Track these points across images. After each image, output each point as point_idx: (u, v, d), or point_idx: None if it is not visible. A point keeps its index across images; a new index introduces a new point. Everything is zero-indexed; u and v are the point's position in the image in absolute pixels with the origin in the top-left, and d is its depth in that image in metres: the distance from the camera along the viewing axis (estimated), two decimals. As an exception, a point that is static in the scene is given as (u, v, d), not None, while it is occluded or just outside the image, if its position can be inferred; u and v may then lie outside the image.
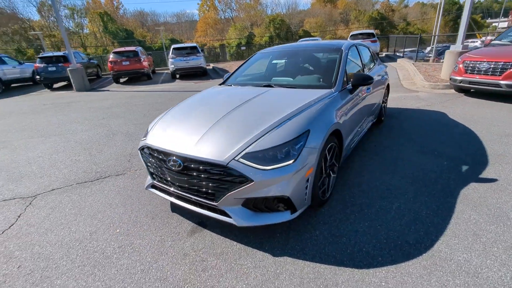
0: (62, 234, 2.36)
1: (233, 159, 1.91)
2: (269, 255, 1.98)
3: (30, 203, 2.90)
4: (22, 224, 2.54)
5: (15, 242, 2.29)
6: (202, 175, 2.01)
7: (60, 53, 12.12)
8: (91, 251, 2.13)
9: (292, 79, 3.25)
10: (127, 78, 13.81)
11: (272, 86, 3.00)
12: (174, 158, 2.10)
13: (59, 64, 11.90)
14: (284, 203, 2.01)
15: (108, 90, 11.09)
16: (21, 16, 46.50)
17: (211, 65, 17.58)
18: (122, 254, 2.07)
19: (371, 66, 4.06)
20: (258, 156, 1.92)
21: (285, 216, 2.01)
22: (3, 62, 12.50)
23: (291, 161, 1.93)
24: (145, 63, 12.65)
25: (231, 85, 3.38)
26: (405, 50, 15.37)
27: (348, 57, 3.28)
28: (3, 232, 2.44)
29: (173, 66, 12.51)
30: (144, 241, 2.20)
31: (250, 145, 1.97)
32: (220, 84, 3.53)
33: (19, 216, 2.67)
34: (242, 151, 1.93)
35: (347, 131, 2.79)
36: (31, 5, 56.06)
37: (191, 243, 2.15)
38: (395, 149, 3.66)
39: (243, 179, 1.88)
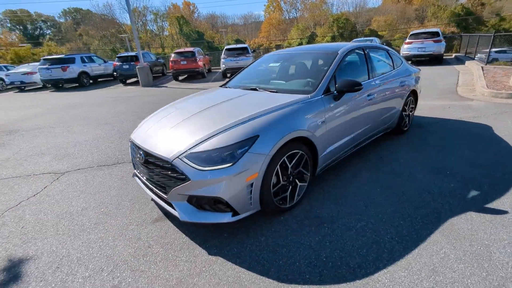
0: (63, 206, 2.80)
1: (177, 157, 2.02)
2: (206, 252, 2.04)
3: (57, 178, 3.49)
4: (43, 194, 3.09)
5: (30, 208, 2.82)
6: (156, 169, 2.17)
7: (133, 53, 13.81)
8: (74, 223, 2.49)
9: (284, 82, 3.18)
10: (185, 76, 15.03)
11: (257, 90, 3.00)
12: (141, 151, 2.32)
13: (131, 63, 13.61)
14: (225, 204, 2.03)
15: (166, 87, 12.26)
16: (118, 21, 54.26)
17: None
18: (93, 230, 2.38)
19: (385, 71, 3.67)
20: (201, 156, 1.99)
21: (226, 218, 2.03)
22: (92, 61, 14.89)
23: (229, 164, 1.94)
24: (200, 63, 13.57)
25: (227, 87, 3.46)
26: (490, 50, 12.75)
27: (347, 61, 3.05)
28: (28, 199, 3.01)
29: (224, 65, 13.15)
30: (116, 222, 2.48)
31: (197, 145, 2.04)
32: (220, 86, 3.65)
33: (44, 187, 3.25)
34: (187, 150, 2.03)
35: (326, 140, 2.63)
36: (125, 11, 64.87)
37: (149, 230, 2.33)
38: (402, 163, 3.26)
39: (184, 177, 1.98)
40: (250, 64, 3.92)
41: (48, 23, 70.74)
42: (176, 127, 2.34)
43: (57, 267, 1.98)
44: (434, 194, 2.59)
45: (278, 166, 2.19)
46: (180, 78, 14.81)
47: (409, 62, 13.66)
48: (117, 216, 2.56)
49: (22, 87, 14.88)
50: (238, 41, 38.41)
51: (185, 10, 49.43)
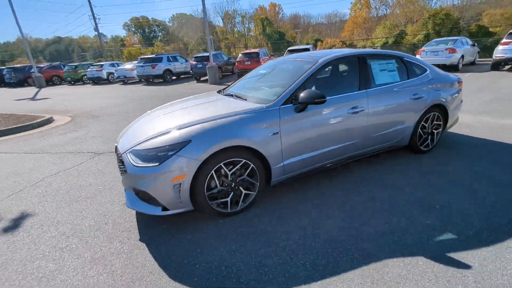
0: (79, 180, 3.50)
1: (125, 152, 2.33)
2: (138, 238, 2.30)
3: (93, 157, 4.32)
4: (75, 168, 3.90)
5: (61, 177, 3.62)
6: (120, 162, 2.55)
7: (206, 54, 15.19)
8: (76, 194, 3.11)
9: (266, 89, 3.14)
10: None
11: (232, 96, 3.07)
12: (115, 145, 2.74)
13: (204, 63, 14.99)
14: (154, 199, 2.24)
15: (228, 85, 13.09)
16: (214, 23, 59.68)
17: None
18: (83, 202, 2.93)
19: (390, 81, 3.20)
20: (139, 153, 2.25)
21: (157, 211, 2.25)
22: (176, 60, 17.04)
23: (156, 164, 2.14)
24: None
25: (220, 92, 3.63)
26: None
27: (329, 71, 2.82)
28: (65, 170, 3.86)
29: (284, 66, 13.18)
30: (101, 199, 2.98)
31: (140, 143, 2.31)
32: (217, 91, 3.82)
33: (80, 163, 4.09)
34: (132, 147, 2.32)
35: (284, 151, 2.53)
36: (218, 15, 71.02)
37: (117, 210, 2.74)
38: (389, 190, 2.82)
39: (125, 169, 2.28)
40: (256, 68, 3.99)
41: (160, 27, 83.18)
42: (142, 127, 2.67)
43: (41, 225, 2.56)
44: (386, 232, 2.21)
45: (213, 172, 2.27)
46: (245, 77, 15.55)
47: (505, 67, 10.91)
48: (104, 195, 3.07)
49: (125, 80, 18.20)
50: (318, 40, 37.31)
51: (270, 11, 50.82)
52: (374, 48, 29.41)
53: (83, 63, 22.38)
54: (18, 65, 22.66)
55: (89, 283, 1.84)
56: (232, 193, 2.44)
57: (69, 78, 20.36)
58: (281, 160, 2.57)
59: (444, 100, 3.47)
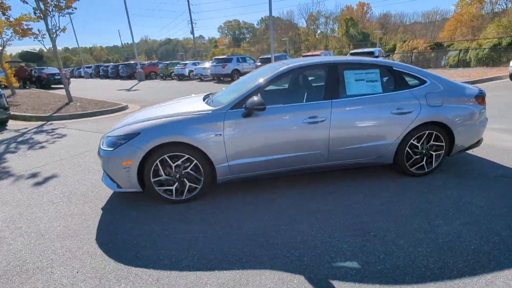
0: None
1: (103, 137, 2.90)
2: (112, 212, 2.84)
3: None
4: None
5: (95, 153, 4.58)
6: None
7: (268, 56, 15.63)
8: (94, 168, 3.94)
9: (229, 95, 3.22)
10: None
11: (207, 98, 3.34)
12: None
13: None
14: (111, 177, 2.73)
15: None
16: (298, 25, 59.99)
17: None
18: (94, 174, 3.71)
19: (368, 92, 2.91)
20: (107, 139, 2.78)
21: (113, 187, 2.75)
22: (245, 61, 18.10)
23: (111, 149, 2.62)
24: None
25: (209, 95, 3.92)
26: None
27: (290, 78, 2.80)
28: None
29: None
30: (105, 173, 3.71)
31: (112, 131, 2.84)
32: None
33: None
34: (107, 134, 2.86)
35: (228, 152, 2.68)
36: (302, 17, 70.74)
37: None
38: (338, 207, 2.62)
39: (100, 151, 2.86)
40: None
41: (249, 29, 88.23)
42: (127, 119, 3.21)
43: (54, 185, 3.40)
44: (283, 243, 2.12)
45: (158, 162, 2.63)
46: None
47: None
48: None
49: (201, 78, 20.33)
50: (404, 42, 33.18)
51: (357, 11, 47.72)
52: (481, 50, 24.38)
53: (173, 61, 25.94)
54: (129, 62, 27.82)
55: (54, 228, 2.45)
56: (177, 183, 2.75)
57: (161, 74, 24.00)
58: (225, 161, 2.73)
59: (446, 118, 2.92)
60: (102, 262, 2.03)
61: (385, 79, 3.01)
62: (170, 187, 2.74)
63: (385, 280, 1.76)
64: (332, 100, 2.82)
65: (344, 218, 2.45)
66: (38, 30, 10.24)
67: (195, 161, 2.68)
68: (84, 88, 18.00)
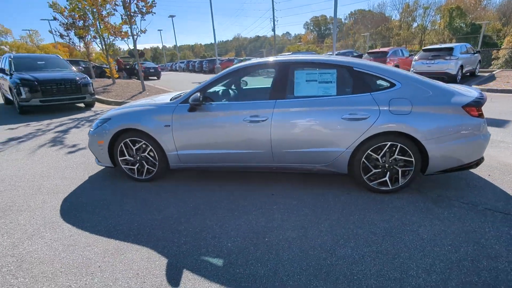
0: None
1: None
2: (87, 174, 3.53)
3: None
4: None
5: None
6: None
7: (342, 51, 14.75)
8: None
9: None
10: None
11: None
12: None
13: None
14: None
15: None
16: (392, 18, 54.04)
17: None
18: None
19: (318, 94, 2.68)
20: (95, 122, 3.38)
21: (96, 160, 3.37)
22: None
23: (93, 130, 3.22)
24: (389, 64, 11.94)
25: None
26: None
27: (241, 77, 2.85)
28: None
29: (412, 68, 10.68)
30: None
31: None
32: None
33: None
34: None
35: (176, 142, 2.94)
36: (395, 9, 63.07)
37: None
38: (253, 213, 2.56)
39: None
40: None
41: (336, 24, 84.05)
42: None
43: (78, 153, 4.33)
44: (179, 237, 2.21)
45: (122, 144, 3.10)
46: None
47: None
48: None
49: (268, 74, 20.82)
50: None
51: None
52: None
53: (247, 58, 27.26)
54: (211, 58, 30.64)
55: (50, 184, 3.24)
56: (138, 164, 3.17)
57: (235, 70, 25.66)
58: (175, 150, 2.99)
59: (415, 129, 2.41)
60: (56, 214, 2.61)
61: (343, 80, 2.67)
62: (133, 167, 3.20)
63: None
64: (276, 101, 2.71)
65: (251, 223, 2.39)
66: (131, 32, 12.52)
67: (150, 147, 3.05)
68: (170, 80, 20.90)
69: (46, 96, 7.76)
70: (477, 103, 2.44)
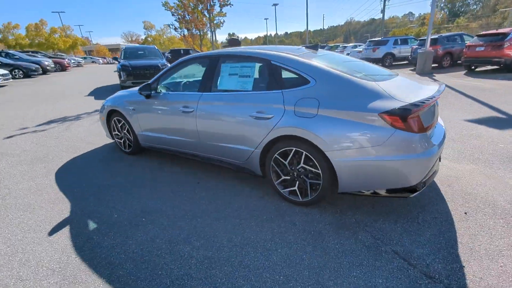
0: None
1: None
2: (95, 145, 4.46)
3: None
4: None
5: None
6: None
7: (435, 36, 11.88)
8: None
9: None
10: (486, 67, 10.38)
11: None
12: None
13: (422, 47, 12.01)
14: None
15: (436, 80, 9.97)
16: None
17: None
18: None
19: (237, 89, 2.51)
20: (102, 103, 4.22)
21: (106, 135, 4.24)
22: (405, 43, 14.85)
23: (100, 109, 4.05)
24: (509, 51, 8.72)
25: None
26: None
27: (185, 68, 2.97)
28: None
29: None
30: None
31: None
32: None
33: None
34: None
35: (140, 124, 3.40)
36: None
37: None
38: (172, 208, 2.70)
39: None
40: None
41: (476, 0, 65.95)
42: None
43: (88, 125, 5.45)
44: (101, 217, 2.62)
45: (113, 121, 3.80)
46: (478, 69, 10.58)
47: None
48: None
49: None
50: None
51: None
52: None
53: (338, 44, 25.15)
54: (312, 45, 29.97)
55: (64, 149, 4.34)
56: (123, 139, 3.82)
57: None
58: (140, 130, 3.44)
59: (316, 135, 1.97)
60: (46, 173, 3.56)
61: (260, 75, 2.38)
62: (120, 141, 3.87)
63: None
64: (202, 93, 2.70)
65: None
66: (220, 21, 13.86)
67: (127, 126, 3.61)
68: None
69: (136, 79, 9.75)
70: (404, 112, 1.76)
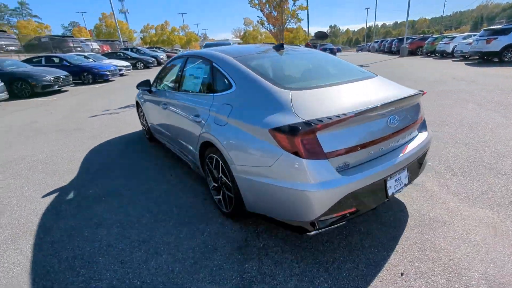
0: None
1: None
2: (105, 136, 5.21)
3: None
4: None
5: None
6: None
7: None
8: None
9: None
10: None
11: None
12: None
13: None
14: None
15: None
16: None
17: None
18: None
19: (191, 89, 2.55)
20: None
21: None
22: None
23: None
24: None
25: None
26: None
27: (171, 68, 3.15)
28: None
29: None
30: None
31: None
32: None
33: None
34: None
35: (148, 114, 3.85)
36: None
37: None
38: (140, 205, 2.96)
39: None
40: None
41: None
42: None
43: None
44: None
45: (137, 110, 4.40)
46: None
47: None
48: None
49: (465, 55, 14.90)
50: None
51: None
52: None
53: (446, 34, 20.39)
54: (401, 37, 25.70)
55: (82, 137, 5.23)
56: (145, 127, 4.37)
57: (425, 50, 20.28)
58: (149, 120, 3.88)
59: (222, 147, 1.79)
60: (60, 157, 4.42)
61: (207, 76, 2.27)
62: (143, 127, 4.46)
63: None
64: (175, 92, 2.82)
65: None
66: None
67: (142, 113, 4.13)
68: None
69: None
70: (291, 130, 1.38)
